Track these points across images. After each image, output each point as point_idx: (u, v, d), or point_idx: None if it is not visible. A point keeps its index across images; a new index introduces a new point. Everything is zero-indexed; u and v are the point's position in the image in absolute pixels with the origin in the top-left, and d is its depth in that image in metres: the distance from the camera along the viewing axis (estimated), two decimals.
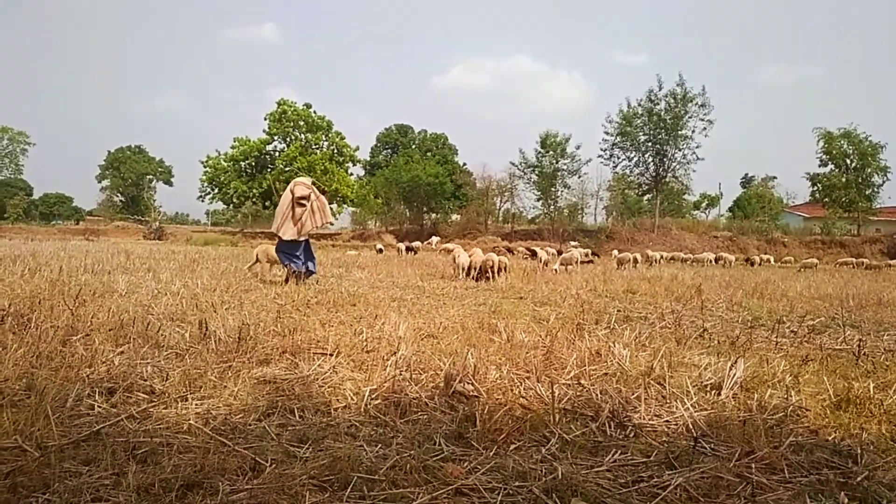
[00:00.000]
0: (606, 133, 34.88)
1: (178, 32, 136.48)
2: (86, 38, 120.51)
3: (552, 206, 38.41)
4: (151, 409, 2.54)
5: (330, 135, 43.90)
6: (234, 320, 4.22)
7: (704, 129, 32.93)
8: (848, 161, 34.18)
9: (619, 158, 35.24)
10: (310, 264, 8.56)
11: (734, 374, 3.08)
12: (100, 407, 2.52)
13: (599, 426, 2.52)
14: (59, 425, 2.25)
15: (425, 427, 2.48)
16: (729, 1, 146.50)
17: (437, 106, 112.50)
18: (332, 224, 46.46)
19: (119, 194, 63.98)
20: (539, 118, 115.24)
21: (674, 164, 34.17)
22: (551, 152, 36.48)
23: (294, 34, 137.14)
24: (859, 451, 2.23)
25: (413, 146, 55.18)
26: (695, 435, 2.39)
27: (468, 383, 2.92)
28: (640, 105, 33.92)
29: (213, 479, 1.90)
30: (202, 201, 45.55)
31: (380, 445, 2.25)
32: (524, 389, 2.96)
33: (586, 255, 18.16)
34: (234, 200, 43.23)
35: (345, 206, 44.41)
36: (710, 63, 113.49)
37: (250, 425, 2.42)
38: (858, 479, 2.01)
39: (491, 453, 2.19)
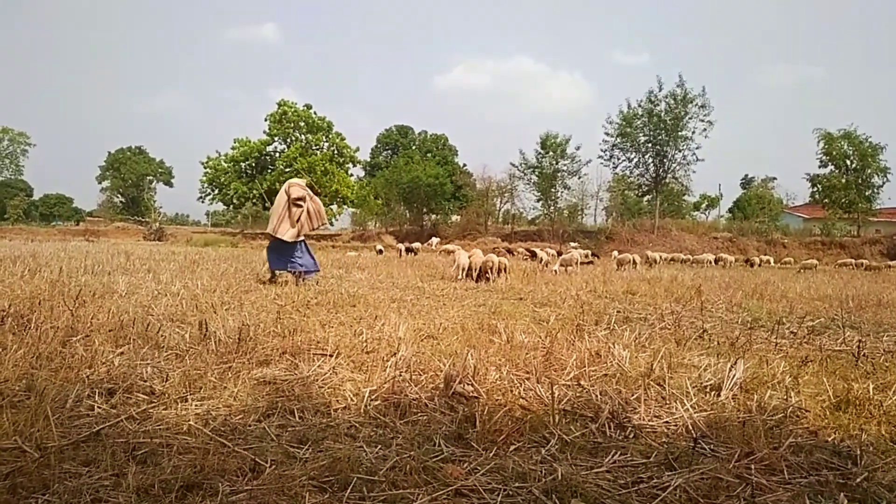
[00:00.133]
0: (607, 134, 34.91)
1: (179, 32, 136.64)
2: (86, 38, 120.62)
3: (552, 207, 38.42)
4: (151, 410, 2.54)
5: (330, 136, 43.90)
6: (234, 321, 4.22)
7: (704, 129, 32.96)
8: (848, 162, 34.17)
9: (619, 159, 35.26)
10: (311, 263, 8.56)
11: (734, 376, 3.08)
12: (100, 408, 2.53)
13: (599, 427, 2.52)
14: (59, 426, 2.25)
15: (425, 428, 2.48)
16: (729, 1, 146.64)
17: (438, 106, 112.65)
18: (328, 225, 46.65)
19: (119, 195, 63.99)
20: (539, 118, 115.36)
21: (674, 164, 34.18)
22: (551, 153, 36.47)
23: (294, 34, 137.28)
24: (859, 453, 2.23)
25: (413, 147, 55.20)
26: (694, 436, 2.39)
27: (468, 384, 2.92)
28: (640, 106, 33.93)
29: (212, 479, 1.90)
30: (202, 202, 45.64)
31: (379, 446, 2.25)
32: (524, 390, 2.96)
33: (586, 256, 18.16)
34: (235, 201, 43.25)
35: (345, 206, 44.42)
36: (710, 63, 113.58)
37: (250, 426, 2.42)
38: (858, 480, 2.01)
39: (491, 454, 2.20)
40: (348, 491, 1.85)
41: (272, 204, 8.97)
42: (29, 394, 2.58)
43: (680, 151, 33.61)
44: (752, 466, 2.10)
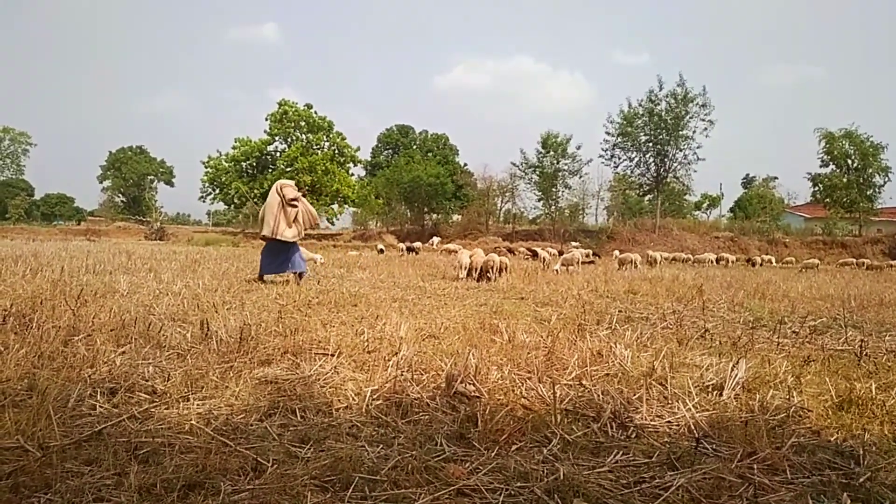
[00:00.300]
0: (607, 133, 34.89)
1: (179, 32, 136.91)
2: (86, 38, 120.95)
3: (553, 207, 38.38)
4: (153, 410, 2.54)
5: (331, 135, 43.92)
6: (235, 321, 4.22)
7: (705, 129, 32.92)
8: (849, 161, 34.12)
9: (619, 159, 35.23)
10: (301, 264, 8.53)
11: (736, 375, 3.08)
12: (101, 407, 2.53)
13: (601, 427, 2.51)
14: (61, 425, 2.26)
15: (427, 427, 2.48)
16: (729, 1, 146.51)
17: (438, 106, 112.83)
18: (329, 225, 46.75)
19: (120, 195, 64.07)
20: (540, 118, 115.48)
21: (675, 164, 34.16)
22: (552, 153, 36.44)
23: (295, 34, 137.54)
24: (862, 452, 2.23)
25: (414, 146, 55.21)
26: (697, 436, 2.39)
27: (469, 384, 2.92)
28: (640, 105, 33.90)
29: (214, 479, 1.90)
30: (203, 202, 45.74)
31: (381, 446, 2.25)
32: (526, 390, 2.96)
33: (587, 255, 18.16)
34: (236, 201, 43.29)
35: (346, 206, 44.43)
36: (710, 63, 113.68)
37: (252, 426, 2.42)
38: (861, 480, 2.01)
39: (492, 454, 2.19)
40: (350, 490, 1.85)
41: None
42: (31, 393, 2.58)
43: (681, 151, 33.60)
44: (755, 466, 2.09)
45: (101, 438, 2.20)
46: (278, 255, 8.32)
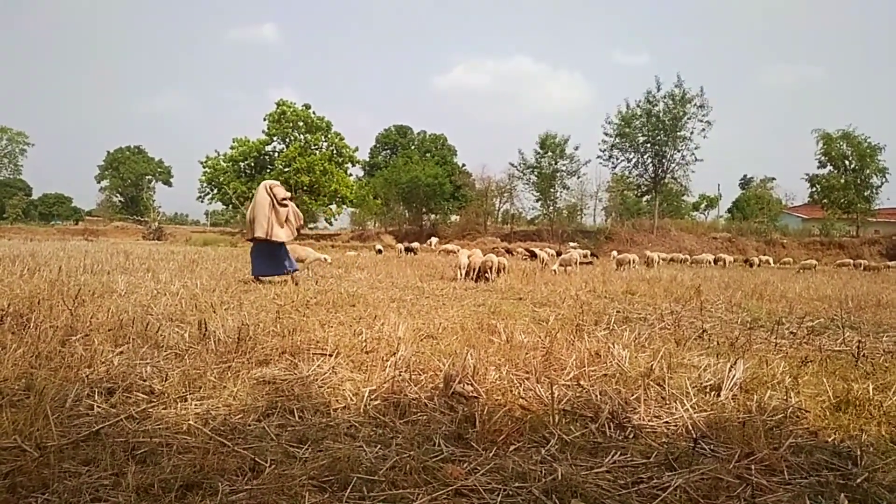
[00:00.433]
0: (606, 134, 34.91)
1: (179, 33, 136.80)
2: (86, 37, 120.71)
3: (551, 207, 38.40)
4: (151, 410, 2.54)
5: (329, 135, 43.86)
6: (233, 321, 4.22)
7: (703, 130, 32.94)
8: (847, 162, 34.22)
9: (618, 159, 35.23)
10: (293, 263, 8.49)
11: (734, 376, 3.08)
12: (99, 407, 2.52)
13: (599, 427, 2.52)
14: (59, 425, 2.25)
15: (425, 428, 2.48)
16: (729, 1, 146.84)
17: (437, 106, 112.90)
18: (328, 225, 46.71)
19: (118, 194, 63.98)
20: (539, 118, 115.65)
21: (673, 165, 34.17)
22: (550, 153, 36.47)
23: (294, 34, 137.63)
24: (859, 453, 2.23)
25: (412, 147, 55.22)
26: (694, 436, 2.39)
27: (468, 384, 2.92)
28: (638, 106, 33.95)
29: (212, 479, 1.89)
30: (201, 202, 45.68)
31: (379, 446, 2.25)
32: (524, 390, 2.96)
33: (585, 255, 18.18)
34: (234, 201, 43.21)
35: (344, 206, 44.40)
36: (710, 63, 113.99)
37: (250, 426, 2.42)
38: (858, 480, 2.01)
39: (490, 454, 2.19)
40: (348, 491, 1.85)
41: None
42: (28, 393, 2.57)
43: (679, 151, 33.62)
44: (753, 467, 2.10)
45: (98, 438, 2.19)
46: (270, 257, 8.25)
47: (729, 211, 49.68)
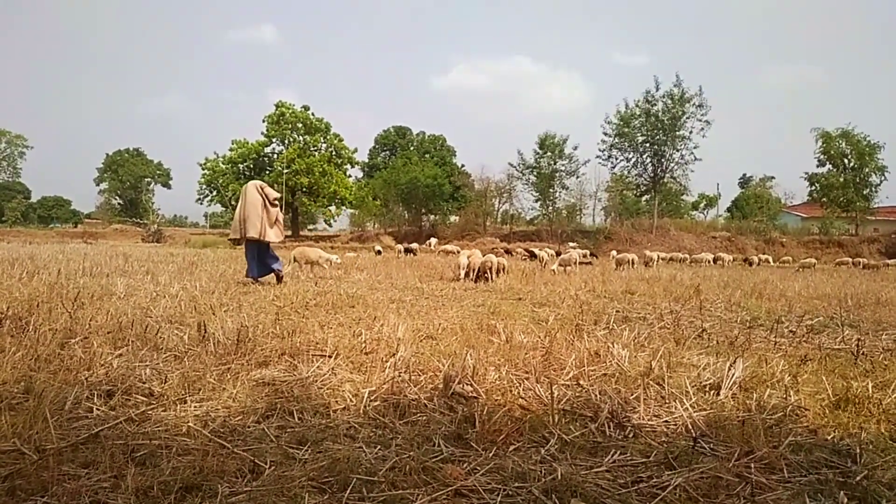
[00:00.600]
0: (605, 134, 34.98)
1: (178, 34, 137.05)
2: (86, 39, 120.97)
3: (550, 207, 38.45)
4: (150, 412, 2.53)
5: (328, 137, 43.90)
6: (232, 322, 4.21)
7: (702, 129, 33.04)
8: (846, 161, 34.30)
9: (617, 159, 35.33)
10: (276, 264, 8.46)
11: (733, 374, 3.09)
12: (98, 409, 2.52)
13: (598, 427, 2.51)
14: (58, 428, 2.25)
15: (424, 428, 2.48)
16: (729, 1, 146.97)
17: (437, 106, 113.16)
18: (328, 227, 46.60)
19: (117, 197, 64.02)
20: (539, 119, 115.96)
21: (672, 164, 34.25)
22: (549, 153, 36.52)
23: (294, 35, 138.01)
24: (858, 451, 2.24)
25: (411, 148, 55.25)
26: (694, 435, 2.39)
27: (467, 384, 2.92)
28: (637, 106, 34.01)
29: (212, 481, 1.89)
30: (200, 204, 45.66)
31: (379, 447, 2.24)
32: (523, 390, 2.96)
33: (585, 255, 18.19)
34: (233, 203, 43.20)
35: (343, 207, 44.41)
36: (710, 63, 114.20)
37: (249, 427, 2.42)
38: (858, 478, 2.01)
39: (490, 454, 2.19)
40: (348, 492, 1.85)
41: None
42: (27, 396, 2.57)
43: (678, 151, 33.71)
44: (752, 465, 2.10)
45: (97, 441, 2.19)
46: (262, 256, 8.26)
47: (728, 210, 49.76)
